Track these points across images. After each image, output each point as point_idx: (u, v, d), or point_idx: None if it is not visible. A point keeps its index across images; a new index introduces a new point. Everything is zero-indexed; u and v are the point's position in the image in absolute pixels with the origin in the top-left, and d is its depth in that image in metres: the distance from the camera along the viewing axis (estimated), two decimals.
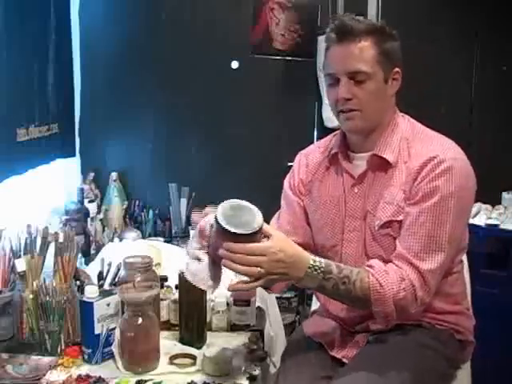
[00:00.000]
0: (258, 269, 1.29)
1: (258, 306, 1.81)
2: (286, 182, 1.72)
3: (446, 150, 1.47)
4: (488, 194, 2.72)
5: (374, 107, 1.51)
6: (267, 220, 1.68)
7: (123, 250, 2.06)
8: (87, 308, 1.50)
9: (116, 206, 2.90)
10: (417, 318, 1.52)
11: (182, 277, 1.63)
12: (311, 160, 1.68)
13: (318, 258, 1.38)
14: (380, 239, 1.52)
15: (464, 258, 1.68)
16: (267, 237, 1.32)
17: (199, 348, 1.60)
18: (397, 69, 1.53)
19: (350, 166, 1.59)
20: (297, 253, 1.35)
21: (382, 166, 1.53)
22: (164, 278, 1.80)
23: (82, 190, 2.68)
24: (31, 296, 1.56)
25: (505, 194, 2.77)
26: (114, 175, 2.91)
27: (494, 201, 2.77)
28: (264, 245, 1.31)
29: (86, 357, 1.52)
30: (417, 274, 1.41)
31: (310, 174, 1.67)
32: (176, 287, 1.73)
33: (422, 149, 1.49)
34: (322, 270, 1.36)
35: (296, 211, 1.67)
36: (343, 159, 1.59)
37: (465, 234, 1.57)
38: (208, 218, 1.40)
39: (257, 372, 1.48)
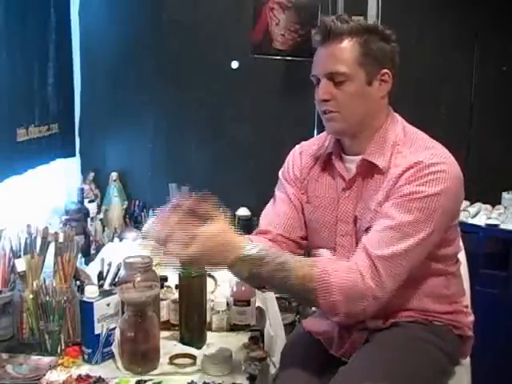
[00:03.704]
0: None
1: (258, 306, 1.81)
2: (280, 175, 1.68)
3: (432, 156, 1.42)
4: (488, 194, 2.73)
5: (353, 109, 1.48)
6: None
7: (123, 249, 2.06)
8: (87, 308, 1.50)
9: (116, 206, 2.90)
10: (397, 317, 1.51)
11: (181, 277, 1.63)
12: (305, 158, 1.64)
13: (253, 243, 1.34)
14: None
15: (462, 257, 1.68)
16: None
17: (199, 348, 1.60)
18: (385, 70, 1.48)
19: (342, 168, 1.56)
20: (229, 236, 1.31)
21: (371, 170, 1.50)
22: (164, 278, 1.80)
23: (82, 190, 2.68)
24: (31, 296, 1.56)
25: (505, 194, 2.77)
26: (113, 175, 2.92)
27: (494, 201, 2.77)
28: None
29: (85, 357, 1.52)
30: (367, 262, 1.35)
31: (305, 172, 1.63)
32: (176, 287, 1.73)
33: (408, 156, 1.45)
34: (257, 254, 1.31)
35: (294, 203, 1.62)
36: (336, 161, 1.57)
37: (455, 239, 1.55)
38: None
39: (257, 372, 1.48)
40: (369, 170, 1.51)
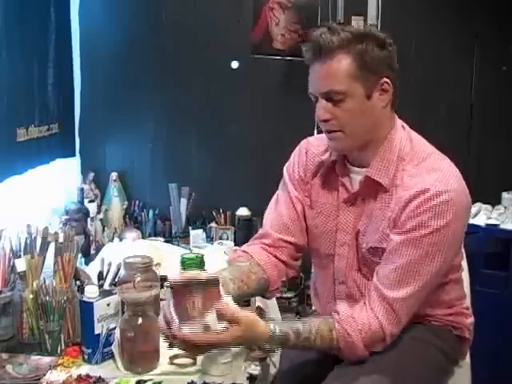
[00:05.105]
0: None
1: (258, 306, 1.81)
2: (285, 171, 1.65)
3: (439, 183, 1.38)
4: (488, 194, 2.73)
5: (357, 126, 1.42)
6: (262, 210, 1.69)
7: (123, 249, 2.06)
8: (87, 308, 1.50)
9: (116, 205, 2.91)
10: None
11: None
12: (310, 160, 1.61)
13: (275, 329, 1.34)
14: (370, 261, 1.48)
15: (463, 260, 1.67)
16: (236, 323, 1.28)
17: None
18: (384, 79, 1.41)
19: (346, 178, 1.53)
20: (254, 333, 1.32)
21: (375, 187, 1.47)
22: (164, 278, 1.79)
23: (82, 190, 2.68)
24: (31, 296, 1.56)
25: (505, 194, 2.77)
26: (113, 175, 2.92)
27: (494, 201, 2.77)
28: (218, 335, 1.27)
29: (85, 357, 1.52)
30: (384, 306, 1.38)
31: (309, 175, 1.60)
32: None
33: (415, 178, 1.41)
34: (280, 339, 1.35)
35: (296, 207, 1.60)
36: (340, 170, 1.53)
37: (458, 258, 1.55)
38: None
39: (257, 372, 1.48)
40: (373, 187, 1.47)
